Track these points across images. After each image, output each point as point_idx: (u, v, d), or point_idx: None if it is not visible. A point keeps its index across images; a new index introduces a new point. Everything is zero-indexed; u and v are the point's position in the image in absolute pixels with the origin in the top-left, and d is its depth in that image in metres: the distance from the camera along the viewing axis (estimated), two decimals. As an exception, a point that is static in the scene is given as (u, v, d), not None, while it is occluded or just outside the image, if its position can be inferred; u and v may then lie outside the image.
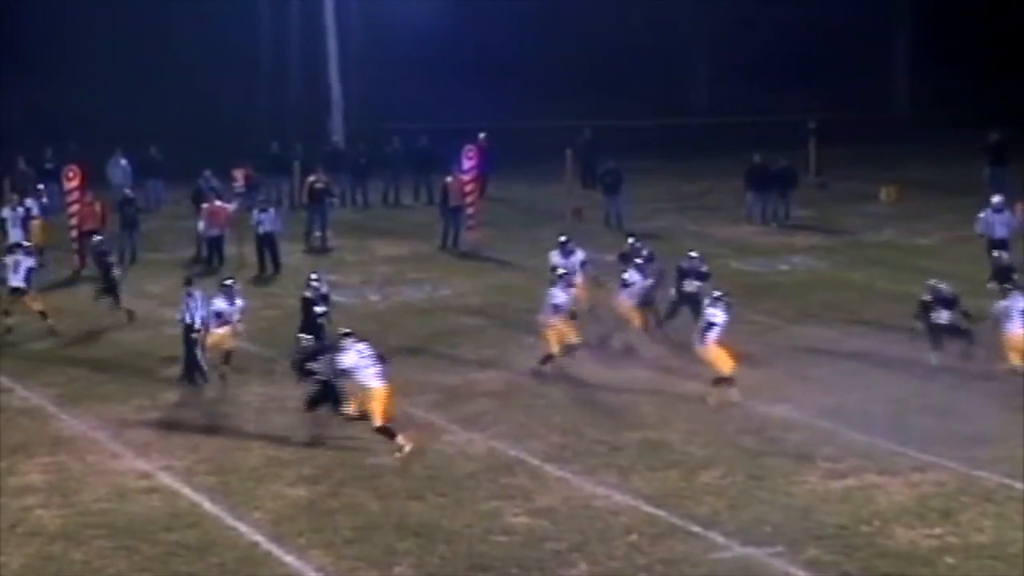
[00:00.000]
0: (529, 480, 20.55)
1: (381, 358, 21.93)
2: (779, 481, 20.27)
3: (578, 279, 28.18)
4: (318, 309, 26.23)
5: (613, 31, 62.79)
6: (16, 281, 29.43)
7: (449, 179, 38.79)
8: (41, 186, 38.53)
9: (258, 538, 18.61)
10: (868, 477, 20.32)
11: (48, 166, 41.68)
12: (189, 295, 25.79)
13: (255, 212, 35.77)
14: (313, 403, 22.48)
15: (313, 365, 22.39)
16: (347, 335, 22.21)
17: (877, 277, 33.34)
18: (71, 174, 36.75)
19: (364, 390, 21.82)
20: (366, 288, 33.19)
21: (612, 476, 20.59)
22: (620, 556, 17.89)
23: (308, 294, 26.63)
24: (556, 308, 25.95)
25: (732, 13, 63.08)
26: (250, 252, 35.39)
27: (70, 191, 36.59)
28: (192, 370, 25.33)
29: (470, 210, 38.34)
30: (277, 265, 35.12)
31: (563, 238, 29.36)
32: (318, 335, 24.76)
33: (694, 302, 27.19)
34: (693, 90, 65.71)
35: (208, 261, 35.76)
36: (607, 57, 62.50)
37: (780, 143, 44.53)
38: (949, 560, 17.65)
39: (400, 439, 21.58)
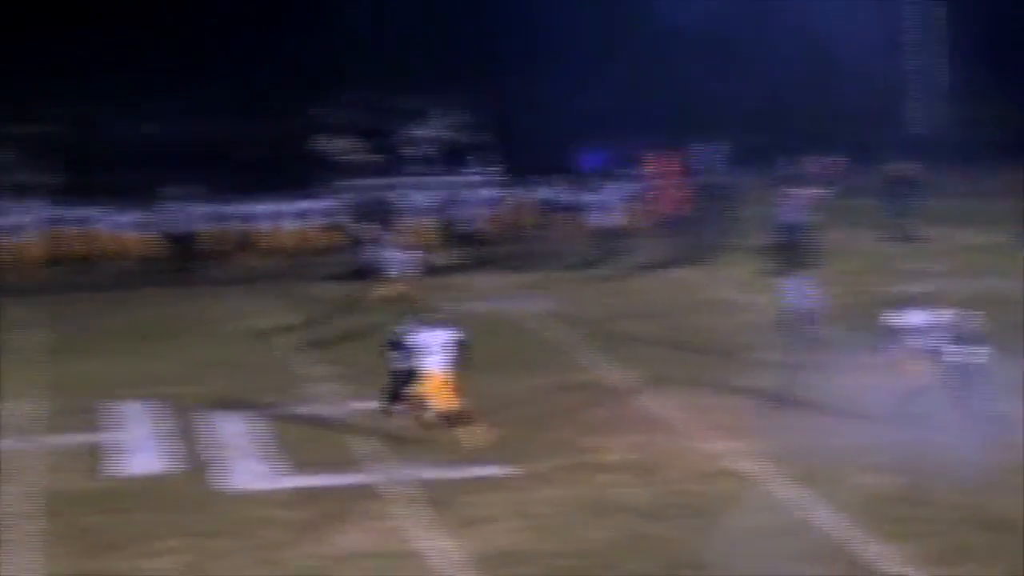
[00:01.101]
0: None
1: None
2: None
3: None
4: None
5: None
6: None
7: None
8: (626, 170, 39.48)
9: (836, 526, 18.58)
10: None
11: (636, 154, 42.64)
12: (788, 284, 25.56)
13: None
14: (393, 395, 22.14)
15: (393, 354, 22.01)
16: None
17: None
18: (656, 160, 37.61)
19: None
20: (950, 277, 32.35)
21: None
22: None
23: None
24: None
25: None
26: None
27: (655, 176, 37.40)
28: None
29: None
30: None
31: None
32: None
33: None
34: None
35: (788, 250, 35.59)
36: None
37: None
38: None
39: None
